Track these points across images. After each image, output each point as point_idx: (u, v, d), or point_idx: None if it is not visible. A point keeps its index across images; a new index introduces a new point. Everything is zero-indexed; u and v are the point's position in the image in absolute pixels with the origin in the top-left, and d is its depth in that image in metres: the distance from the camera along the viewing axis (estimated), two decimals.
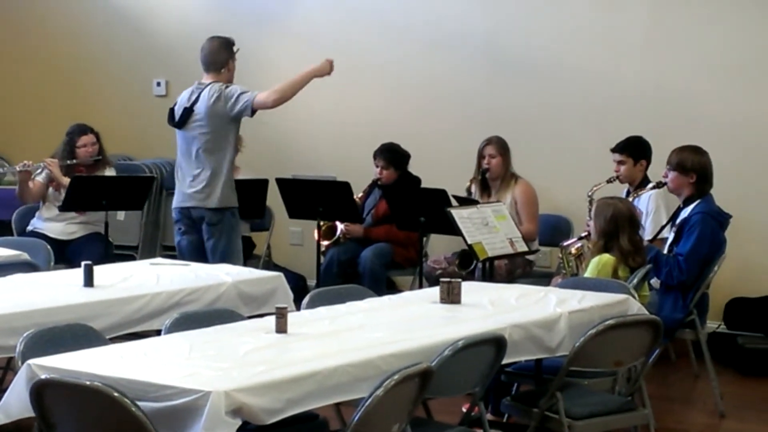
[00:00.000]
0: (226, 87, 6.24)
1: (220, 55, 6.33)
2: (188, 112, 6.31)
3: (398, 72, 7.98)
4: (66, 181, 6.97)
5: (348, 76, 8.10)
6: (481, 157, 6.86)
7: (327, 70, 6.34)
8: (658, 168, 6.13)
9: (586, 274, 5.21)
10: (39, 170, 7.09)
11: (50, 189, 7.12)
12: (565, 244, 6.00)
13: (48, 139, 7.66)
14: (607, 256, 5.16)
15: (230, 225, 6.35)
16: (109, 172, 7.24)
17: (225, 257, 6.18)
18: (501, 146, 6.84)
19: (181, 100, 6.42)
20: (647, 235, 5.92)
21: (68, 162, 7.08)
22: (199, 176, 6.32)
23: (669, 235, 5.86)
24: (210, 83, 6.30)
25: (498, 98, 7.62)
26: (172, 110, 6.44)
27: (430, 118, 7.85)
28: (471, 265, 6.22)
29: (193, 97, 6.32)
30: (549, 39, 7.48)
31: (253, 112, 6.22)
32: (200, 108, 6.28)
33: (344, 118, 8.09)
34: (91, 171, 7.14)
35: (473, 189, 6.87)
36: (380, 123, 7.87)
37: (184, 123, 6.35)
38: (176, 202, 6.48)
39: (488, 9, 7.67)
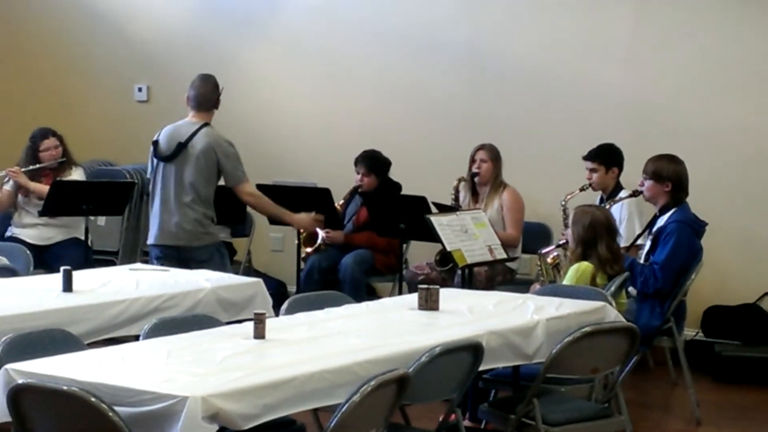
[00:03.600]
0: (228, 146, 6.16)
1: (213, 95, 6.28)
2: (182, 146, 6.16)
3: (380, 79, 7.99)
4: (34, 186, 6.94)
5: (329, 83, 8.14)
6: (472, 161, 6.89)
7: (307, 226, 6.57)
8: (635, 176, 6.16)
9: (565, 282, 5.25)
10: (7, 179, 7.04)
11: (20, 196, 7.07)
12: (543, 251, 6.03)
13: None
14: (585, 264, 5.19)
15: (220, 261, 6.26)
16: (76, 173, 7.16)
17: None
18: (492, 152, 6.88)
19: (171, 135, 6.23)
20: (622, 242, 5.95)
21: (32, 167, 7.04)
22: (187, 211, 6.15)
23: (645, 243, 5.89)
24: (205, 125, 6.19)
25: (480, 106, 7.63)
26: (156, 143, 6.27)
27: (412, 125, 7.86)
28: (450, 263, 6.22)
29: (187, 134, 6.17)
30: (532, 47, 7.50)
31: (232, 188, 6.20)
32: (196, 148, 6.12)
33: (325, 125, 8.09)
34: (57, 174, 7.06)
35: (461, 189, 6.89)
36: (361, 130, 7.88)
37: (174, 157, 6.18)
38: (158, 238, 6.21)
39: (471, 17, 7.69)
